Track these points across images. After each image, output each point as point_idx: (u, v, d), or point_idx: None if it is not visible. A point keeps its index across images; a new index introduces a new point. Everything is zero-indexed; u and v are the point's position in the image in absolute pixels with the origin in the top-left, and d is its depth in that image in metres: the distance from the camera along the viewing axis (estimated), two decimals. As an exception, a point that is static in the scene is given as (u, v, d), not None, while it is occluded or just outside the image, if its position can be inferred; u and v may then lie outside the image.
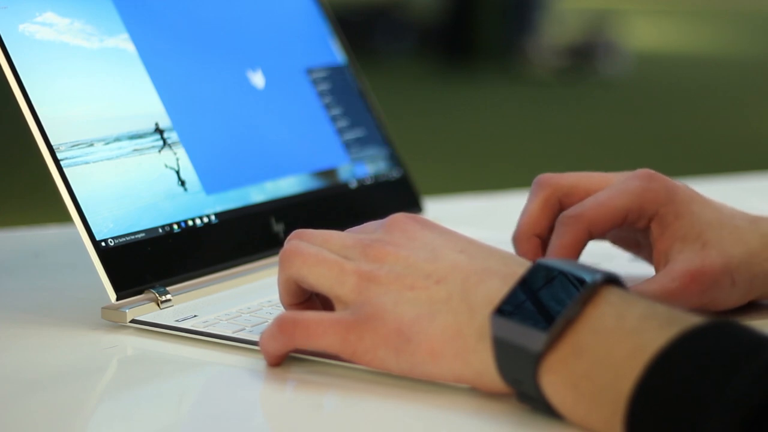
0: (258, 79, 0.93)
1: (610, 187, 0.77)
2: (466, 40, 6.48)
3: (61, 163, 0.76)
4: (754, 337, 0.57)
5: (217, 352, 0.72)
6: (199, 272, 0.81)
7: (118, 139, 0.80)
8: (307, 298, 0.70)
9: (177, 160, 0.83)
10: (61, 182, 0.76)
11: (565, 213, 0.77)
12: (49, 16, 0.80)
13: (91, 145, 0.79)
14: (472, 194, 1.25)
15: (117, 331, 0.75)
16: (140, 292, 0.77)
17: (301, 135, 0.95)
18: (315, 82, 0.98)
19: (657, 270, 0.77)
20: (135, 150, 0.81)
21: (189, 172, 0.84)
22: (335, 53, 1.01)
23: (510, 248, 0.68)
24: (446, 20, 6.59)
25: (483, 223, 1.07)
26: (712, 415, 0.54)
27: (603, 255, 0.87)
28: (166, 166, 0.83)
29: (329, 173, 0.95)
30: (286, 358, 0.68)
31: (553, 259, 0.63)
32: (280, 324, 0.67)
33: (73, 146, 0.77)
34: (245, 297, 0.79)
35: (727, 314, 0.77)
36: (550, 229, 0.79)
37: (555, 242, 0.76)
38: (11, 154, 3.73)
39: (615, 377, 0.57)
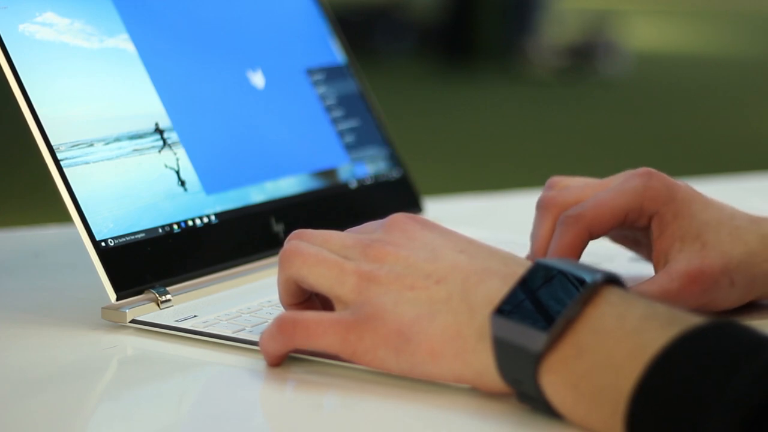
0: (258, 79, 0.93)
1: (610, 187, 0.77)
2: (466, 40, 6.48)
3: (61, 163, 0.76)
4: (755, 337, 0.57)
5: (217, 352, 0.72)
6: (199, 272, 0.81)
7: (118, 139, 0.80)
8: (306, 298, 0.70)
9: (177, 160, 0.83)
10: (61, 182, 0.76)
11: (566, 213, 0.77)
12: (49, 16, 0.80)
13: (91, 145, 0.79)
14: (472, 194, 1.25)
15: (117, 331, 0.75)
16: (140, 292, 0.77)
17: (301, 135, 0.95)
18: (315, 83, 0.98)
19: (656, 269, 0.77)
20: (135, 150, 0.81)
21: (189, 172, 0.84)
22: (335, 53, 1.01)
23: (509, 249, 0.68)
24: (446, 20, 6.59)
25: (483, 223, 1.07)
26: (712, 415, 0.54)
27: (603, 255, 0.87)
28: (166, 166, 0.83)
29: (329, 173, 0.95)
30: (286, 358, 0.68)
31: (553, 258, 0.63)
32: (279, 324, 0.67)
33: (73, 146, 0.77)
34: (245, 297, 0.79)
35: (727, 314, 0.77)
36: None
37: (556, 242, 0.76)
38: (11, 154, 3.73)
39: (615, 377, 0.57)
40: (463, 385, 0.64)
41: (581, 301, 0.60)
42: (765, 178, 1.38)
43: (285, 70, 0.96)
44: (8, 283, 0.87)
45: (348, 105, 0.99)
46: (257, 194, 0.88)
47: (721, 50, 7.95)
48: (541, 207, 0.80)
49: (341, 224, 0.74)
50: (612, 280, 0.62)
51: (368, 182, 0.98)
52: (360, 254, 0.67)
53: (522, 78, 6.21)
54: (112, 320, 0.75)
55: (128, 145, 0.81)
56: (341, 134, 0.97)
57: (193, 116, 0.86)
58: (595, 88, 6.08)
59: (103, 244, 0.76)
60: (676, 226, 0.76)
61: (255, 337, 0.71)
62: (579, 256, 0.76)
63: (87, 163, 0.78)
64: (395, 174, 1.00)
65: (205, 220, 0.83)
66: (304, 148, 0.94)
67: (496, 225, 1.04)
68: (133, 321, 0.75)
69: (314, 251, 0.68)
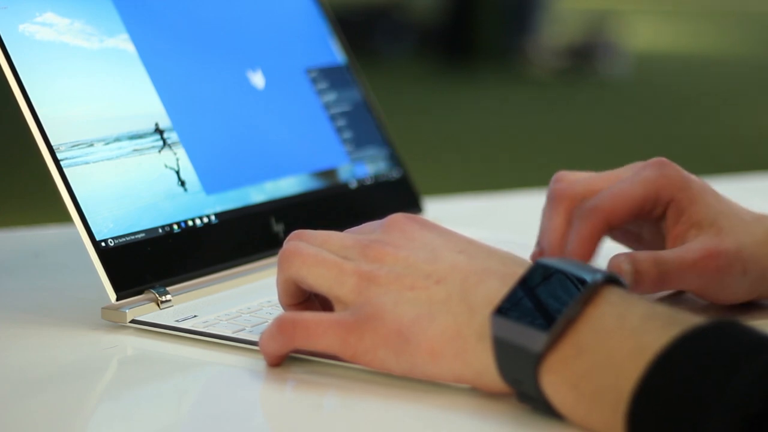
0: (258, 79, 0.93)
1: (625, 178, 0.77)
2: (466, 41, 6.48)
3: (61, 163, 0.76)
4: (755, 337, 0.57)
5: (217, 352, 0.72)
6: (199, 272, 0.81)
7: (118, 139, 0.80)
8: (306, 299, 0.70)
9: (177, 160, 0.83)
10: (61, 182, 0.76)
11: (582, 206, 0.76)
12: (49, 17, 0.80)
13: (91, 145, 0.78)
14: (472, 194, 1.25)
15: (117, 331, 0.75)
16: (140, 293, 0.77)
17: (301, 135, 0.95)
18: (315, 82, 0.98)
19: None
20: (135, 150, 0.81)
21: (189, 172, 0.84)
22: (335, 53, 1.01)
23: (509, 249, 0.67)
24: (446, 21, 6.59)
25: (483, 223, 1.07)
26: (713, 416, 0.54)
27: (603, 255, 0.87)
28: (166, 166, 0.83)
29: (329, 173, 0.95)
30: (286, 358, 0.68)
31: (552, 258, 0.63)
32: (279, 325, 0.67)
33: (73, 146, 0.77)
34: (245, 297, 0.79)
35: (727, 314, 0.77)
36: None
37: (574, 236, 0.75)
38: (11, 154, 3.73)
39: (616, 377, 0.57)
40: (463, 385, 0.64)
41: (582, 300, 0.60)
42: (765, 178, 1.38)
43: (285, 70, 0.96)
44: (8, 283, 0.87)
45: (348, 105, 0.99)
46: (257, 194, 0.88)
47: (721, 51, 7.95)
48: (552, 199, 0.79)
49: (341, 224, 0.74)
50: (612, 280, 0.62)
51: (368, 182, 0.98)
52: (359, 255, 0.67)
53: (522, 78, 6.21)
54: (112, 320, 0.75)
55: (128, 145, 0.81)
56: (341, 134, 0.97)
57: (193, 116, 0.86)
58: (595, 88, 6.08)
59: (103, 244, 0.76)
60: (692, 211, 0.76)
61: (255, 337, 0.71)
62: (597, 250, 0.76)
63: (87, 163, 0.78)
64: (395, 174, 1.00)
65: (205, 220, 0.83)
66: (304, 148, 0.94)
67: (496, 225, 1.04)
68: (133, 321, 0.75)
69: (314, 252, 0.68)
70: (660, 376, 0.56)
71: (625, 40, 6.69)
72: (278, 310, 0.74)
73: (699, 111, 5.68)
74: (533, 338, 0.60)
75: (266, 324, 0.72)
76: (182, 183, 0.83)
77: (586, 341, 0.59)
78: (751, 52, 7.99)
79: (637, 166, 0.78)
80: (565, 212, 0.78)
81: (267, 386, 0.68)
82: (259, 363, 0.69)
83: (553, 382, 0.59)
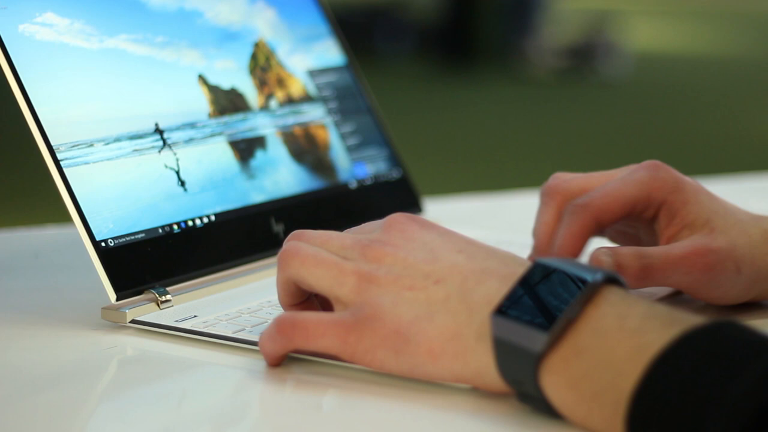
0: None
1: (618, 178, 0.77)
2: (466, 41, 6.48)
3: (61, 163, 0.76)
4: (756, 337, 0.57)
5: (217, 352, 0.72)
6: (199, 272, 0.81)
7: (118, 140, 0.80)
8: (306, 299, 0.70)
9: (177, 160, 0.83)
10: (61, 182, 0.76)
11: (573, 202, 0.76)
12: (49, 17, 0.80)
13: (91, 145, 0.78)
14: (472, 194, 1.25)
15: (117, 332, 0.75)
16: (140, 293, 0.77)
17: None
18: (315, 83, 0.98)
19: None
20: (135, 150, 0.81)
21: (189, 172, 0.84)
22: (335, 53, 1.01)
23: (509, 249, 0.67)
24: (446, 21, 6.59)
25: (483, 223, 1.07)
26: (713, 416, 0.54)
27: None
28: (166, 166, 0.83)
29: (329, 173, 0.95)
30: (286, 358, 0.68)
31: (552, 258, 0.63)
32: (278, 325, 0.67)
33: (73, 147, 0.77)
34: (245, 297, 0.79)
35: (728, 314, 0.77)
36: None
37: (563, 231, 0.75)
38: (11, 154, 3.73)
39: (616, 377, 0.57)
40: (463, 385, 0.64)
41: (582, 300, 0.60)
42: (765, 178, 1.38)
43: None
44: (8, 283, 0.87)
45: (348, 105, 0.99)
46: (257, 194, 0.88)
47: (721, 50, 7.95)
48: (545, 194, 0.79)
49: (341, 224, 0.74)
50: (612, 280, 0.62)
51: (368, 182, 0.98)
52: (359, 255, 0.67)
53: (522, 78, 6.21)
54: (112, 320, 0.75)
55: (128, 146, 0.81)
56: (341, 134, 0.97)
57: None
58: (595, 88, 6.07)
59: (103, 244, 0.76)
60: (685, 212, 0.76)
61: (255, 338, 0.71)
62: (585, 246, 0.76)
63: (87, 163, 0.78)
64: (395, 174, 1.00)
65: (205, 220, 0.83)
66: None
67: (496, 225, 1.04)
68: (133, 321, 0.75)
69: (313, 252, 0.68)
70: (660, 376, 0.56)
71: (625, 40, 6.69)
72: (278, 310, 0.74)
73: (699, 111, 5.68)
74: (533, 338, 0.60)
75: (266, 324, 0.72)
76: (182, 183, 0.83)
77: (586, 341, 0.59)
78: (751, 52, 7.99)
79: (630, 167, 0.78)
80: (556, 207, 0.78)
81: (267, 386, 0.68)
82: (259, 363, 0.69)
83: (553, 382, 0.59)
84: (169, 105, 0.85)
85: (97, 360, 0.72)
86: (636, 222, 0.79)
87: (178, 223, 0.81)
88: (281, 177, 0.91)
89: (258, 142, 0.90)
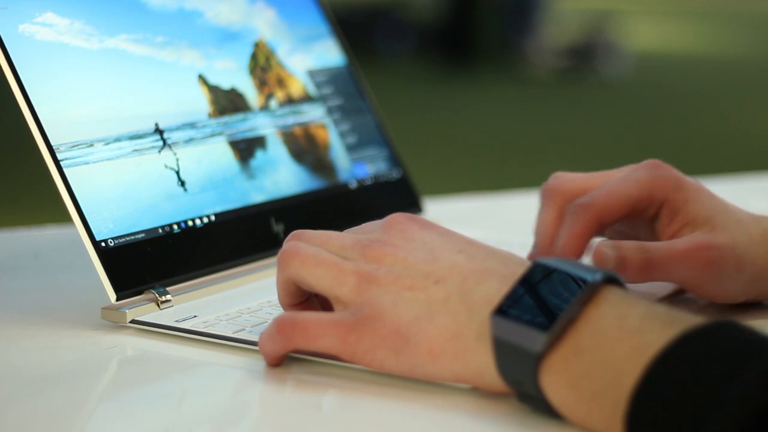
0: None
1: (619, 177, 0.77)
2: (466, 41, 6.48)
3: (61, 163, 0.76)
4: (756, 337, 0.57)
5: (217, 352, 0.72)
6: (199, 272, 0.81)
7: (118, 140, 0.80)
8: (305, 299, 0.70)
9: (177, 160, 0.83)
10: (61, 182, 0.76)
11: (576, 202, 0.76)
12: (49, 17, 0.80)
13: (91, 145, 0.78)
14: (472, 194, 1.25)
15: (117, 332, 0.75)
16: (140, 293, 0.77)
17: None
18: (315, 83, 0.98)
19: None
20: (135, 150, 0.81)
21: (189, 172, 0.84)
22: (335, 53, 1.01)
23: (509, 249, 0.67)
24: (446, 21, 6.59)
25: (483, 223, 1.07)
26: (712, 416, 0.54)
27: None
28: (166, 166, 0.83)
29: (329, 173, 0.95)
30: (286, 358, 0.68)
31: (552, 258, 0.63)
32: (278, 325, 0.67)
33: (73, 146, 0.77)
34: (245, 297, 0.79)
35: (728, 314, 0.77)
36: None
37: (565, 231, 0.75)
38: (11, 154, 3.73)
39: (616, 377, 0.57)
40: (463, 385, 0.64)
41: (582, 300, 0.60)
42: (765, 178, 1.38)
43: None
44: (8, 283, 0.87)
45: (348, 105, 0.99)
46: (257, 194, 0.88)
47: (721, 51, 7.95)
48: (545, 194, 0.79)
49: (341, 224, 0.74)
50: (612, 280, 0.62)
51: (368, 182, 0.98)
52: (359, 255, 0.67)
53: (522, 78, 6.21)
54: (112, 320, 0.75)
55: (128, 146, 0.81)
56: (341, 134, 0.97)
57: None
58: (595, 88, 6.08)
59: (103, 244, 0.76)
60: (687, 210, 0.76)
61: (255, 338, 0.71)
62: (587, 246, 0.76)
63: (87, 163, 0.78)
64: (395, 174, 1.00)
65: (205, 220, 0.83)
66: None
67: (496, 225, 1.04)
68: (133, 321, 0.75)
69: (313, 252, 0.68)
70: (660, 376, 0.56)
71: (625, 40, 6.69)
72: (278, 310, 0.74)
73: (699, 111, 5.68)
74: (533, 338, 0.60)
75: (266, 324, 0.72)
76: (182, 183, 0.83)
77: (586, 341, 0.59)
78: (751, 52, 7.99)
79: (630, 167, 0.78)
80: (557, 208, 0.78)
81: (267, 386, 0.68)
82: (258, 363, 0.69)
83: (553, 382, 0.59)
84: (169, 105, 0.85)
85: (97, 360, 0.72)
86: (636, 221, 0.79)
87: (178, 223, 0.81)
88: (281, 177, 0.91)
89: (258, 142, 0.91)
